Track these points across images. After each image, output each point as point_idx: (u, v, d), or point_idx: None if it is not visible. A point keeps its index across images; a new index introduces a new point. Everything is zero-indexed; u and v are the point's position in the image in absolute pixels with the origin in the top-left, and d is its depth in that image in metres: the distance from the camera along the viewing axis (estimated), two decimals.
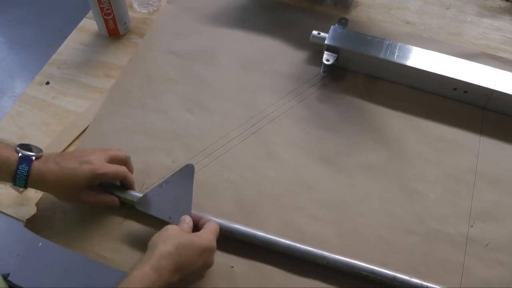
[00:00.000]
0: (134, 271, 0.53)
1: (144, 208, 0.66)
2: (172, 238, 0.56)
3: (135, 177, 0.69)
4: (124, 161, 0.67)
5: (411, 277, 0.62)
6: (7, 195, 0.71)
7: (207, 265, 0.60)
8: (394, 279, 0.62)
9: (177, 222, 0.62)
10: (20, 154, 0.60)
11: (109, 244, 0.66)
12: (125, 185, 0.68)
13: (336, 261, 0.63)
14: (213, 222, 0.63)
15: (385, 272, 0.63)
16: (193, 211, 0.65)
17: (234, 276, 0.64)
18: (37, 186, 0.61)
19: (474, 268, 0.65)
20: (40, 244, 1.46)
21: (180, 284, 0.56)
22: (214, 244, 0.60)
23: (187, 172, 0.66)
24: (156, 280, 0.53)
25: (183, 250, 0.56)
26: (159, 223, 0.63)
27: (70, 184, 0.61)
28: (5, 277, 0.78)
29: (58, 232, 0.67)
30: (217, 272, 0.64)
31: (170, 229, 0.58)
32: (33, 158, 0.60)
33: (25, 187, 0.60)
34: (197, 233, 0.60)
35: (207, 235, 0.59)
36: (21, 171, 0.59)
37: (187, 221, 0.62)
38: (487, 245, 0.67)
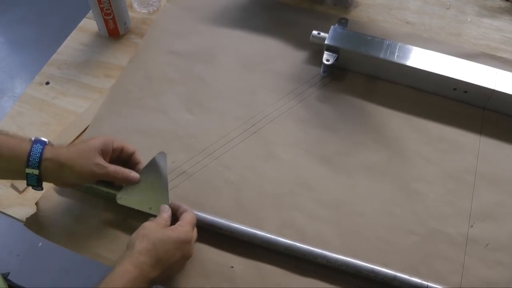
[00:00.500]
0: (115, 269, 0.55)
1: (125, 202, 0.66)
2: (149, 235, 0.58)
3: None
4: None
5: (411, 277, 0.62)
6: (7, 195, 0.71)
7: (186, 256, 0.61)
8: (394, 278, 0.62)
9: (157, 212, 0.64)
10: (33, 138, 0.61)
11: (109, 244, 0.66)
12: (134, 161, 0.68)
13: (336, 261, 0.63)
14: (189, 213, 0.64)
15: (385, 272, 0.63)
16: (173, 201, 0.66)
17: (234, 276, 0.64)
18: (50, 165, 0.60)
19: (474, 268, 0.65)
20: (40, 244, 1.46)
21: (162, 276, 0.58)
22: (191, 235, 0.61)
23: (160, 160, 0.67)
24: (138, 275, 0.55)
25: (160, 245, 0.57)
26: None
27: (84, 148, 0.62)
28: (5, 276, 0.78)
29: (58, 232, 0.67)
30: (217, 272, 0.64)
31: (147, 226, 0.60)
32: (46, 141, 0.62)
33: (39, 168, 0.60)
34: (172, 227, 0.61)
35: (183, 227, 0.61)
36: (35, 149, 0.60)
37: (165, 210, 0.63)
38: (487, 245, 0.67)
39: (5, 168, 0.61)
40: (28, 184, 0.61)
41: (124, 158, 0.67)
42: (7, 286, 0.75)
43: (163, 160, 0.68)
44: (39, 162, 0.59)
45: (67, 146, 0.63)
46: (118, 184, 0.66)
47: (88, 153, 0.62)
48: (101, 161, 0.62)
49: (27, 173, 0.60)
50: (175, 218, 0.64)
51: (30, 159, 0.59)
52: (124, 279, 0.54)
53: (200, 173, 0.73)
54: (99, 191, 0.68)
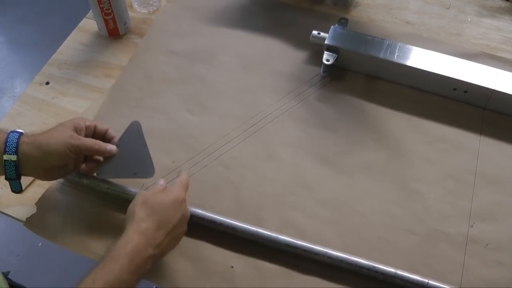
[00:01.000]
0: (118, 240, 0.55)
1: (107, 175, 0.67)
2: (147, 201, 0.59)
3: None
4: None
5: (411, 274, 0.62)
6: (7, 195, 0.71)
7: (185, 215, 0.62)
8: (395, 275, 0.62)
9: (143, 175, 0.66)
10: (9, 130, 0.62)
11: (110, 244, 0.66)
12: (108, 137, 0.68)
13: (337, 258, 0.63)
14: (182, 175, 0.65)
15: (385, 269, 0.62)
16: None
17: (234, 276, 0.64)
18: (28, 148, 0.60)
19: (474, 268, 0.65)
20: (40, 244, 1.46)
21: (167, 240, 0.58)
22: (183, 195, 0.62)
23: (135, 128, 0.68)
24: (141, 240, 0.55)
25: (159, 208, 0.58)
26: None
27: (58, 127, 0.63)
28: (6, 275, 0.78)
29: (58, 232, 0.67)
30: (217, 272, 0.64)
31: (143, 194, 0.60)
32: (23, 132, 0.62)
33: (16, 153, 0.60)
34: (165, 190, 0.62)
35: (175, 188, 0.62)
36: (12, 136, 0.60)
37: (161, 181, 0.65)
38: (487, 245, 0.67)
39: None
40: (6, 178, 0.61)
41: (98, 136, 0.67)
42: (8, 286, 0.75)
43: (138, 127, 0.68)
44: (17, 147, 0.60)
45: (42, 132, 0.64)
46: (96, 155, 0.66)
47: (61, 129, 0.63)
48: (75, 134, 0.63)
49: (5, 161, 0.59)
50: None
51: (7, 145, 0.59)
52: (127, 247, 0.54)
53: (200, 173, 0.73)
54: (99, 191, 0.68)
